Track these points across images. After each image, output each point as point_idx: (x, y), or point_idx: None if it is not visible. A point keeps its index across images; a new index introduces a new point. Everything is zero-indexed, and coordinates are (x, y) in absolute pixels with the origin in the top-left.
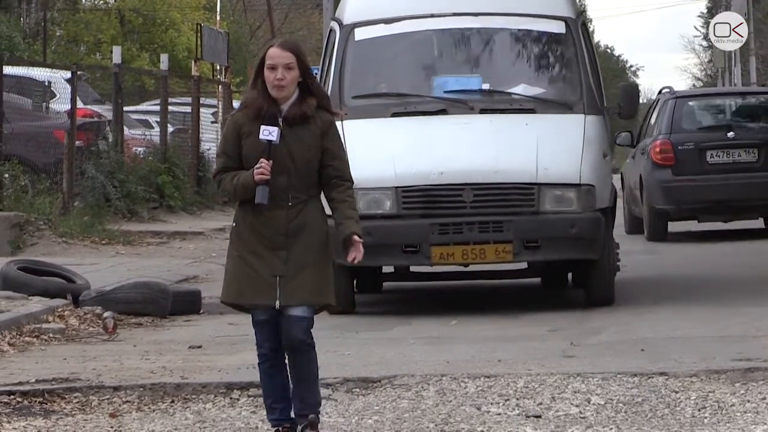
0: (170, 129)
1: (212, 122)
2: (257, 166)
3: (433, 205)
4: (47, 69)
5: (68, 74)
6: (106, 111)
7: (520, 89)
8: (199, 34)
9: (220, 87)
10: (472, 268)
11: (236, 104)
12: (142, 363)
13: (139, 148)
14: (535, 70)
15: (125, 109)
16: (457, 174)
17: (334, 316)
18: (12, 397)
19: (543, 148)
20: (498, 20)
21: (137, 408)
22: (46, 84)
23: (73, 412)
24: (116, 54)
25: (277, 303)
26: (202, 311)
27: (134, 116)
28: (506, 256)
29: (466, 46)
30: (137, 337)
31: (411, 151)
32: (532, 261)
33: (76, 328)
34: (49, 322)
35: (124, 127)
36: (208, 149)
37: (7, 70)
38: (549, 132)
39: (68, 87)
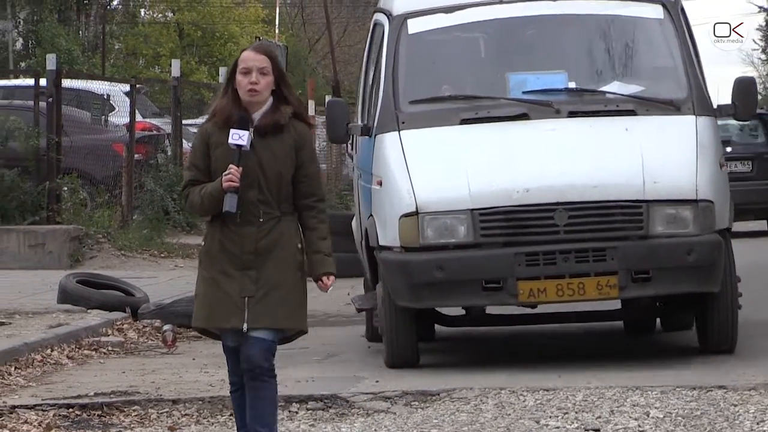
0: None
1: None
2: (225, 172)
3: (519, 230)
4: (106, 82)
5: (127, 87)
6: (164, 124)
7: (615, 87)
8: None
9: None
10: (543, 308)
11: None
12: (201, 376)
13: None
14: (631, 64)
15: (184, 122)
16: (546, 191)
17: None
18: (71, 410)
19: (649, 157)
20: (582, 5)
21: (196, 421)
22: (105, 97)
23: (132, 426)
24: (175, 67)
25: (244, 326)
26: None
27: (193, 129)
28: (610, 291)
29: (545, 37)
30: (196, 350)
31: (488, 166)
32: (641, 296)
33: (134, 342)
34: (108, 336)
35: (183, 141)
36: None
37: (66, 83)
38: (654, 137)
39: (127, 100)
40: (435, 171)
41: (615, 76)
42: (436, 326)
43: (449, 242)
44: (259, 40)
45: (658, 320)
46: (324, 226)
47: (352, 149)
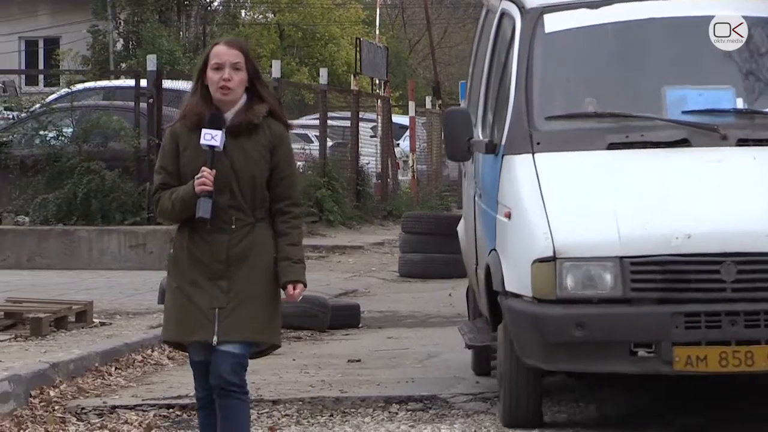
0: (329, 143)
1: (371, 136)
2: (198, 175)
3: (677, 284)
4: None
5: None
6: None
7: None
8: (358, 49)
9: (379, 101)
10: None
11: (396, 119)
12: (301, 377)
13: (299, 163)
14: None
15: None
16: (711, 239)
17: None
18: (171, 410)
19: None
20: (752, 6)
21: (296, 422)
22: None
23: None
24: (275, 68)
25: (215, 339)
26: (361, 325)
27: (293, 130)
28: None
29: (708, 44)
30: (296, 351)
31: (640, 203)
32: None
33: None
34: None
35: None
36: (367, 163)
37: (167, 84)
38: None
39: None
40: (576, 207)
41: None
42: None
43: (592, 295)
44: (360, 41)
45: None
46: (297, 231)
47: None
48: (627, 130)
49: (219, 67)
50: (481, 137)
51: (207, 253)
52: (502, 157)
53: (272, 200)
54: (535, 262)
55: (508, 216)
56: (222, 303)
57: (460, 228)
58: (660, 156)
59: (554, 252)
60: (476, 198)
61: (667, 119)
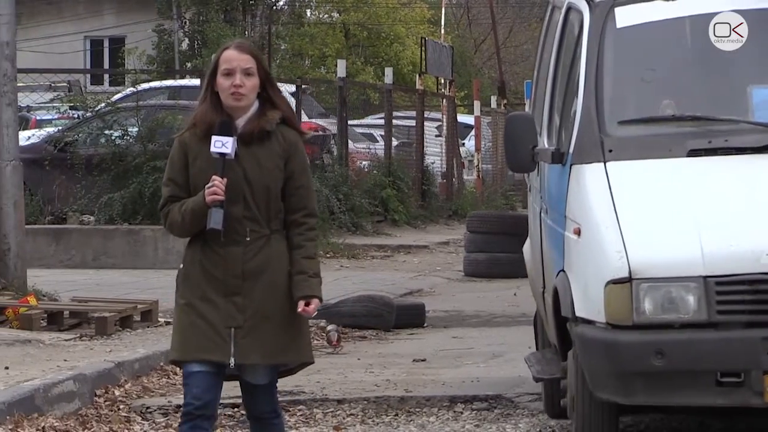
0: (395, 143)
1: (436, 136)
2: (209, 184)
3: None
4: None
5: (293, 88)
6: (330, 125)
7: None
8: (423, 48)
9: (444, 101)
10: None
11: (461, 118)
12: (366, 376)
13: (364, 162)
14: None
15: (350, 122)
16: None
17: None
18: (236, 410)
19: None
20: None
21: (361, 421)
22: None
23: (297, 425)
24: (341, 68)
25: (232, 361)
26: (426, 324)
27: (359, 130)
28: None
29: None
30: (361, 351)
31: (726, 216)
32: None
33: None
34: None
35: (349, 141)
36: (432, 163)
37: None
38: None
39: (293, 101)
40: (654, 221)
41: None
42: None
43: (674, 319)
44: (425, 40)
45: None
46: (312, 244)
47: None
48: (709, 135)
49: (230, 73)
50: (546, 146)
51: (221, 267)
52: (570, 167)
53: (287, 211)
54: (608, 284)
55: (578, 233)
56: (238, 322)
57: (526, 249)
58: (746, 163)
59: (630, 272)
60: (542, 214)
61: (754, 122)
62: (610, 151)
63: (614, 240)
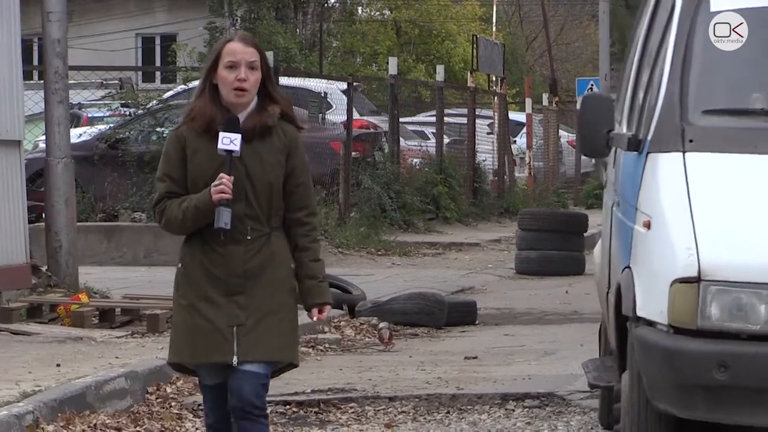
0: (446, 140)
1: (488, 133)
2: (215, 183)
3: None
4: (323, 80)
5: (344, 85)
6: (382, 122)
7: None
8: (475, 45)
9: (495, 98)
10: None
11: (513, 116)
12: (417, 373)
13: (415, 159)
14: None
15: (401, 120)
16: None
17: None
18: (288, 407)
19: None
20: None
21: (413, 419)
22: (323, 95)
23: (349, 423)
24: (392, 65)
25: (234, 359)
26: (477, 322)
27: (410, 127)
28: None
29: None
30: (413, 348)
31: None
32: None
33: (351, 339)
34: (325, 333)
35: (400, 138)
36: (484, 160)
37: (284, 81)
38: None
39: (344, 98)
40: (730, 220)
41: None
42: None
43: (741, 329)
44: (476, 37)
45: None
46: (317, 245)
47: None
48: None
49: (234, 66)
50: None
51: (222, 266)
52: (647, 156)
53: (288, 209)
54: (674, 282)
55: (647, 225)
56: (241, 320)
57: (596, 250)
58: None
59: (699, 272)
60: (613, 208)
61: None
62: (691, 141)
63: (685, 236)
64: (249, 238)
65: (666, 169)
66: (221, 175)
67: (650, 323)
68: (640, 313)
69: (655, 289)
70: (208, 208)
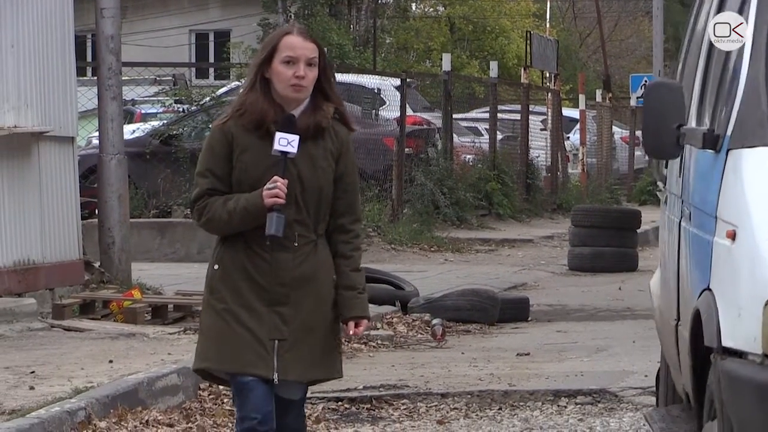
0: (499, 136)
1: (541, 129)
2: (269, 185)
3: None
4: (377, 76)
5: (398, 82)
6: (435, 118)
7: None
8: (528, 42)
9: (549, 94)
10: None
11: (566, 112)
12: (469, 370)
13: (469, 156)
14: None
15: (454, 116)
16: None
17: None
18: (340, 403)
19: None
20: None
21: (465, 415)
22: (376, 91)
23: (401, 419)
24: (446, 61)
25: (275, 376)
26: (530, 318)
27: (463, 123)
28: None
29: None
30: (465, 344)
31: None
32: None
33: (404, 335)
34: (378, 329)
35: (454, 135)
36: (537, 157)
37: (338, 77)
38: None
39: (398, 94)
40: None
41: None
42: None
43: None
44: (530, 34)
45: None
46: (359, 254)
47: (664, 167)
48: None
49: (292, 61)
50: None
51: (268, 274)
52: (727, 153)
53: (332, 215)
54: None
55: (732, 236)
56: (283, 334)
57: (654, 282)
58: None
59: None
60: (682, 223)
61: None
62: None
63: None
64: (296, 245)
65: (752, 166)
66: (275, 178)
67: (740, 354)
68: (726, 342)
69: (744, 313)
70: (259, 211)
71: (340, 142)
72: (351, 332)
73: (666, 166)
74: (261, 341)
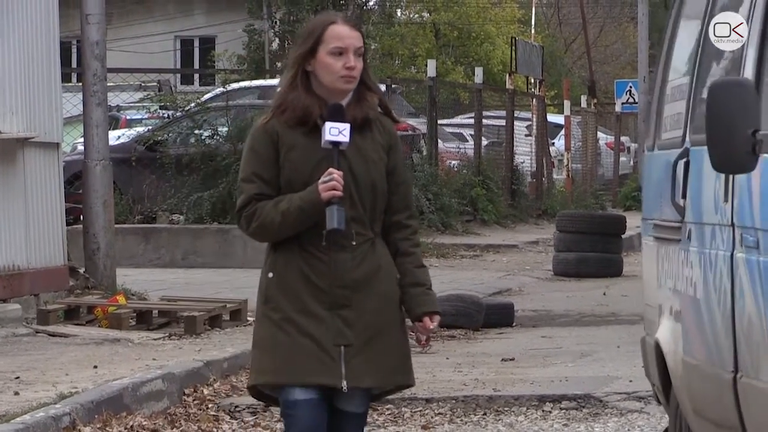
0: (484, 142)
1: (526, 135)
2: (324, 178)
3: None
4: None
5: (383, 87)
6: (420, 124)
7: None
8: (513, 48)
9: (534, 100)
10: None
11: (551, 118)
12: (454, 375)
13: (453, 162)
14: None
15: (439, 122)
16: None
17: None
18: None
19: None
20: None
21: (449, 420)
22: None
23: (386, 424)
24: (431, 67)
25: (344, 384)
26: (515, 324)
27: (448, 129)
28: None
29: None
30: (450, 350)
31: None
32: None
33: None
34: None
35: (439, 140)
36: (522, 162)
37: None
38: None
39: None
40: None
41: None
42: None
43: None
44: (515, 40)
45: None
46: (419, 250)
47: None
48: None
49: (341, 52)
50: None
51: (326, 276)
52: None
53: (388, 211)
54: None
55: None
56: (349, 339)
57: (664, 336)
58: None
59: None
60: (735, 256)
61: None
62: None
63: None
64: (354, 243)
65: None
66: (330, 170)
67: None
68: None
69: None
70: (316, 208)
71: (388, 134)
72: (429, 326)
73: (684, 196)
74: (325, 349)
